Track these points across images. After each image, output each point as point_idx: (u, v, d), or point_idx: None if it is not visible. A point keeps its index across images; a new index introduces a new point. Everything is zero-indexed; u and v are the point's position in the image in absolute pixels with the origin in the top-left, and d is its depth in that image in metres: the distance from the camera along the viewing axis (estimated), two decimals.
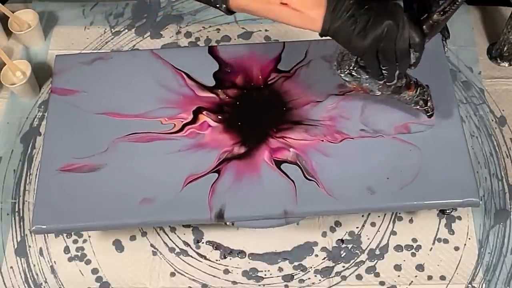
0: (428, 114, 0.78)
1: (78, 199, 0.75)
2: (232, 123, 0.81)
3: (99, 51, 0.92)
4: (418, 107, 0.77)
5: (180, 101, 0.82)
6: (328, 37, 0.65)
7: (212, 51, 0.87)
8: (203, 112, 0.81)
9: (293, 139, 0.79)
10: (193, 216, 0.75)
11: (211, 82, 0.84)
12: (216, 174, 0.76)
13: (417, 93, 0.75)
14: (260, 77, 0.84)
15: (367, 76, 0.70)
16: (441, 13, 0.65)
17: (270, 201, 0.75)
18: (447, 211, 0.86)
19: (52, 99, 0.83)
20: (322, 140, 0.79)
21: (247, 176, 0.76)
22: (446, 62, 0.87)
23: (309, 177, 0.76)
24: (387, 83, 0.71)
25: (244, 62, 0.86)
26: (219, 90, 0.84)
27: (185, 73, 0.85)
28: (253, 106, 0.81)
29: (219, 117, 0.81)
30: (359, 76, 0.71)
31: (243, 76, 0.85)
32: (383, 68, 0.67)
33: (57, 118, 0.82)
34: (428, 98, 0.76)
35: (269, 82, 0.83)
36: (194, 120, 0.81)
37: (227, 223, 0.76)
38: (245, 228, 0.81)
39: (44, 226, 0.74)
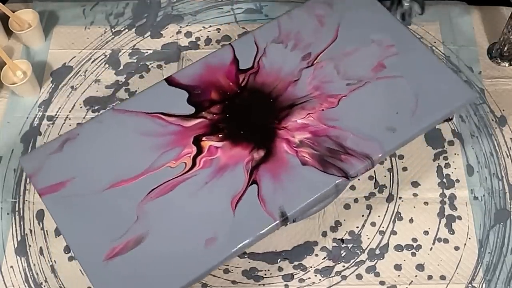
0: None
1: (144, 275, 0.70)
2: (236, 134, 0.80)
3: (60, 135, 0.81)
4: None
5: (174, 140, 0.79)
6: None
7: (171, 81, 0.84)
8: (202, 139, 0.79)
9: (297, 121, 0.80)
10: (261, 231, 0.73)
11: (190, 110, 0.82)
12: (255, 185, 0.75)
13: None
14: (231, 83, 0.83)
15: None
16: None
17: (319, 182, 0.75)
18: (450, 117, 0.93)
19: (46, 201, 0.75)
20: (323, 110, 0.80)
21: (283, 172, 0.76)
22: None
23: None
24: None
25: (208, 77, 0.84)
26: (203, 112, 0.81)
27: (160, 113, 0.81)
28: (243, 111, 0.80)
29: (220, 135, 0.79)
30: None
31: (215, 90, 0.83)
32: None
33: (66, 216, 0.74)
34: None
35: (242, 84, 0.83)
36: (200, 150, 0.78)
37: (288, 223, 0.76)
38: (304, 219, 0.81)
39: None
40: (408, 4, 0.99)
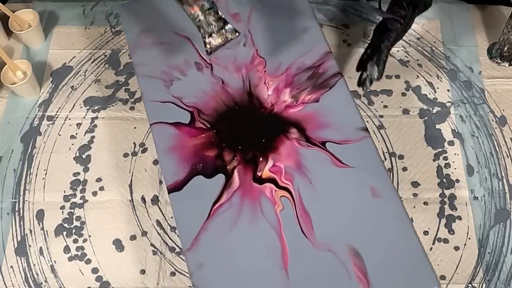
0: (205, 48, 0.77)
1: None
2: (263, 147, 0.79)
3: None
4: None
5: (251, 199, 0.75)
6: None
7: (175, 188, 0.76)
8: (260, 176, 0.77)
9: (269, 93, 0.83)
10: (378, 159, 0.77)
11: (220, 178, 0.77)
12: (329, 143, 0.78)
13: (199, 17, 0.74)
14: (202, 135, 0.80)
15: None
16: None
17: (341, 96, 0.81)
18: None
19: None
20: (265, 71, 0.84)
21: (319, 121, 0.80)
22: None
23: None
24: None
25: (185, 153, 0.79)
26: (227, 167, 0.77)
27: (212, 205, 0.75)
28: (240, 133, 0.80)
29: (261, 159, 0.78)
30: None
31: (205, 150, 0.79)
32: None
33: None
34: (213, 35, 0.76)
35: (208, 126, 0.81)
36: (273, 181, 0.76)
37: None
38: None
39: None
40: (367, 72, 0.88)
